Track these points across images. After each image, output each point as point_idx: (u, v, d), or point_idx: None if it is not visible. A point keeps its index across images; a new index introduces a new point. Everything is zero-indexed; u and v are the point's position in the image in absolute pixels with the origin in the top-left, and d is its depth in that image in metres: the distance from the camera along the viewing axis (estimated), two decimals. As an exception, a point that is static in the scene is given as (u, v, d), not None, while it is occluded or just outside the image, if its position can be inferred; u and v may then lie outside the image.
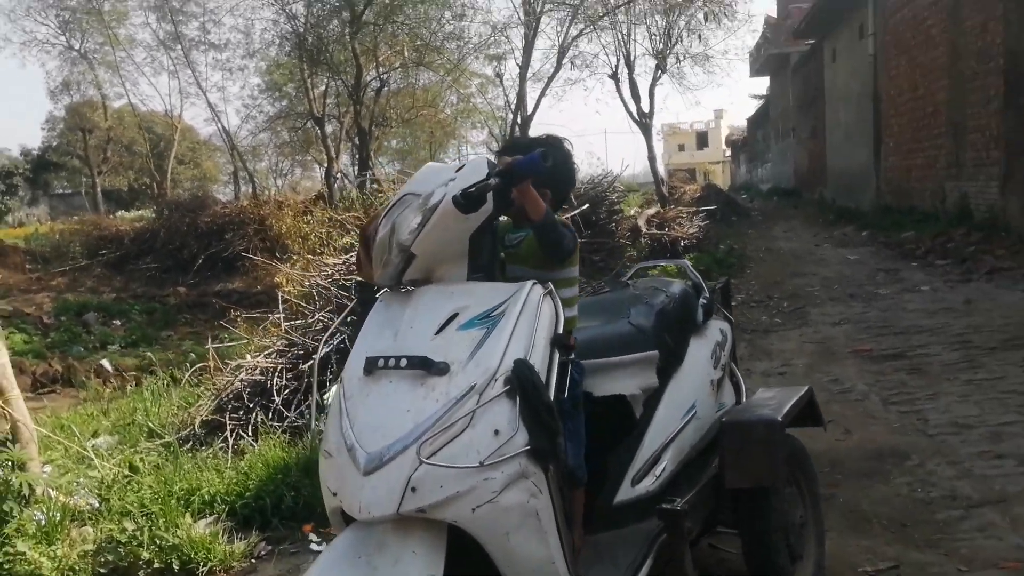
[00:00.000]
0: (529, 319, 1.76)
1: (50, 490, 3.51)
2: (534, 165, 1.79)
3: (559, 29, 17.47)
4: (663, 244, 11.70)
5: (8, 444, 3.45)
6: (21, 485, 3.18)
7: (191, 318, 13.76)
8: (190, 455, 4.04)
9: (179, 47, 22.70)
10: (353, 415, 1.70)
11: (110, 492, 3.63)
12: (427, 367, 1.68)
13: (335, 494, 1.69)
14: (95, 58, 25.83)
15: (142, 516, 3.30)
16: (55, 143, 37.65)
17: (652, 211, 13.55)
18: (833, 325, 7.07)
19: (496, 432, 1.62)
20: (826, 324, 7.14)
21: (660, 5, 16.68)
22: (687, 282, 2.89)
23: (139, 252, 17.25)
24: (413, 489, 1.58)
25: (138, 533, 3.19)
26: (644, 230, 11.85)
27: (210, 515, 3.46)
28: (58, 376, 9.55)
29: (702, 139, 58.83)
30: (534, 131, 18.80)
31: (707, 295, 2.81)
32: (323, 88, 20.59)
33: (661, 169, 24.91)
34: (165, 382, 5.70)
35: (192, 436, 4.31)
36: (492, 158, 2.05)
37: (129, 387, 7.18)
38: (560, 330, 1.82)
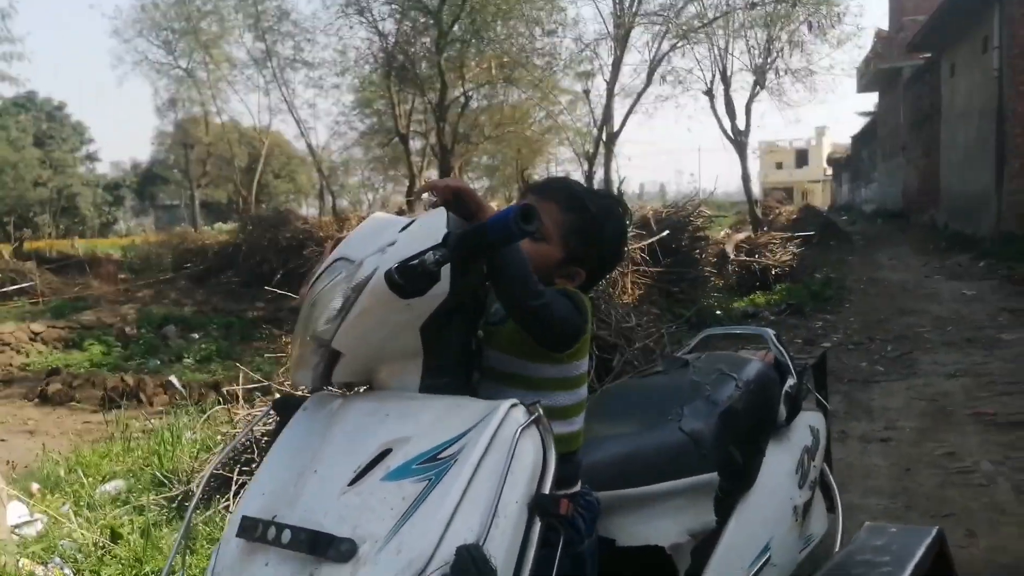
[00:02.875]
0: (496, 468, 1.11)
1: (20, 560, 3.07)
2: (506, 229, 1.16)
3: (651, 44, 16.75)
4: (752, 272, 10.77)
5: (-30, 507, 3.04)
6: (-29, 559, 2.73)
7: (267, 334, 13.70)
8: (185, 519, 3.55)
9: (271, 65, 23.02)
10: (213, 610, 1.11)
11: (87, 562, 3.17)
12: (321, 548, 1.06)
13: None
14: (197, 76, 26.62)
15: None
16: (162, 157, 39.26)
17: (742, 236, 12.60)
18: (948, 377, 6.08)
19: None
20: (939, 375, 6.16)
21: (760, 18, 15.72)
22: (766, 356, 2.19)
23: (221, 266, 17.44)
24: None
25: (94, 628, 2.70)
26: (732, 256, 10.95)
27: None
28: (128, 391, 9.50)
29: (801, 157, 56.50)
30: (619, 149, 18.12)
31: (795, 379, 2.10)
32: (409, 105, 20.46)
33: (756, 188, 23.61)
34: (192, 415, 5.31)
35: (190, 494, 3.83)
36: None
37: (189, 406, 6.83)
38: (547, 487, 1.16)
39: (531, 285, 1.27)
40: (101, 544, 3.21)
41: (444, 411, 1.20)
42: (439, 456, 1.13)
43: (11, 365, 11.11)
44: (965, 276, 11.51)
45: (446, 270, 1.20)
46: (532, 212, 1.15)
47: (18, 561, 3.06)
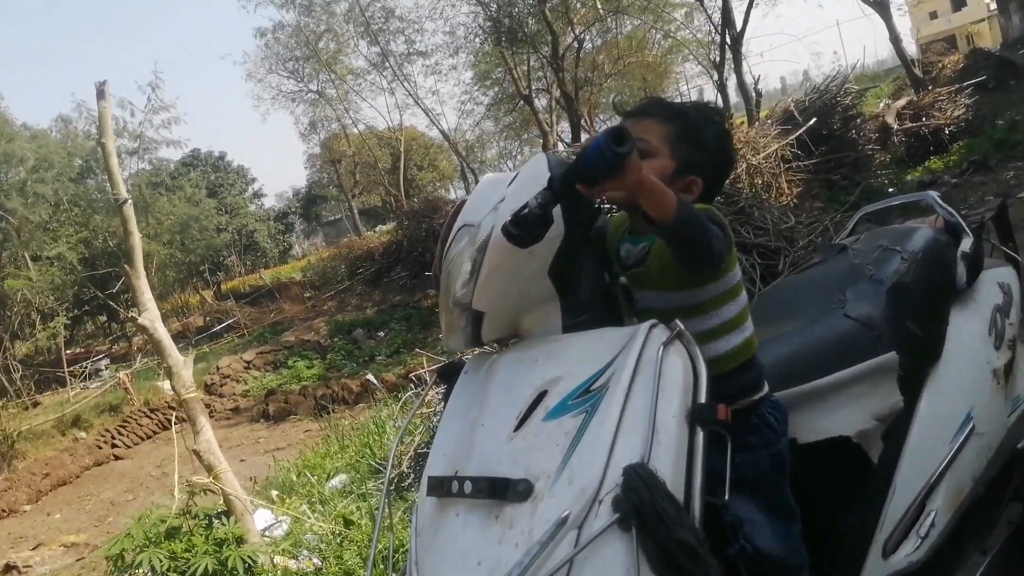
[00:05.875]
0: (647, 388, 1.13)
1: (275, 557, 3.46)
2: (601, 157, 1.14)
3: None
4: (922, 138, 9.87)
5: (223, 518, 3.45)
6: (235, 563, 3.12)
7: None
8: (406, 496, 3.84)
9: (389, 64, 23.71)
10: (421, 563, 1.21)
11: (328, 550, 3.52)
12: (500, 492, 1.13)
13: None
14: (328, 95, 27.95)
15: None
16: (316, 178, 41.65)
17: (902, 102, 11.53)
18: None
19: None
20: None
21: None
22: (935, 221, 2.03)
23: (389, 265, 18.36)
24: None
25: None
26: (895, 127, 10.08)
27: None
28: (335, 396, 10.35)
29: (957, -2, 50.38)
30: (748, 48, 17.05)
31: (971, 238, 1.93)
32: (526, 66, 20.40)
33: (911, 48, 21.52)
34: (391, 405, 5.68)
35: (408, 473, 4.12)
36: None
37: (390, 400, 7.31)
38: (703, 396, 1.17)
39: (707, 225, 1.24)
40: (337, 532, 3.56)
41: (588, 345, 1.24)
42: (591, 388, 1.17)
43: (235, 394, 12.42)
44: None
45: (558, 212, 1.22)
46: (622, 133, 1.14)
47: (272, 559, 3.45)
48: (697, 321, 1.34)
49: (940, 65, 19.01)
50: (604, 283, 1.40)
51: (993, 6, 45.25)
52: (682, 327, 1.19)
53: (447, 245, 1.40)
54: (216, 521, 3.41)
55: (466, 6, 18.91)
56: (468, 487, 1.17)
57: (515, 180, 1.30)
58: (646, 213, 1.22)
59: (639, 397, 1.13)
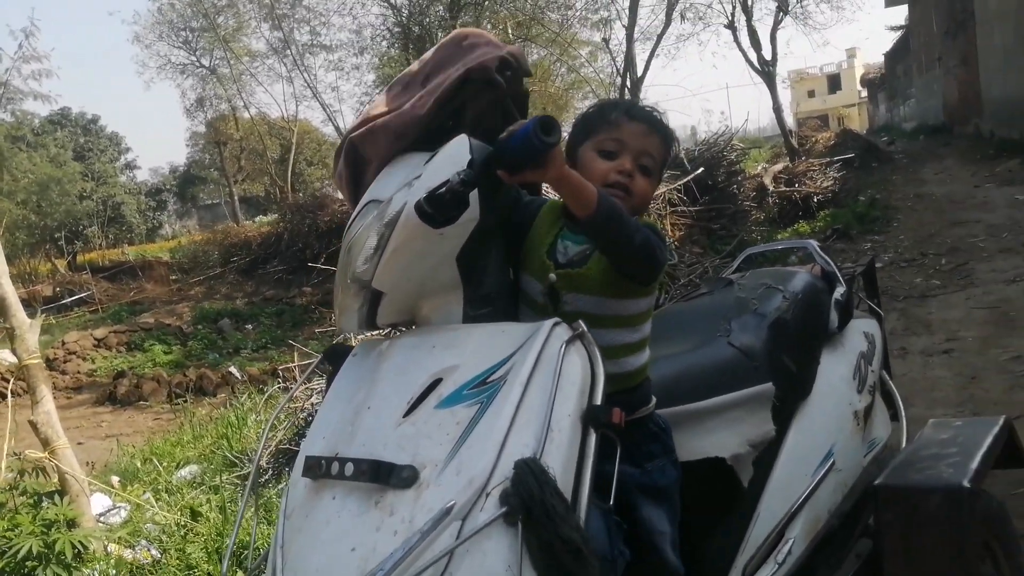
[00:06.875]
0: (545, 385, 1.13)
1: (109, 545, 3.21)
2: (528, 145, 1.13)
3: (666, -19, 16.29)
4: (793, 202, 10.55)
5: (57, 498, 3.17)
6: (63, 547, 2.86)
7: (320, 317, 13.90)
8: (261, 492, 3.67)
9: (290, 52, 23.04)
10: (288, 546, 1.14)
11: (171, 542, 3.30)
12: (384, 476, 1.09)
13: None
14: (222, 73, 26.76)
15: (192, 577, 2.93)
16: (198, 158, 39.67)
17: (779, 167, 12.32)
18: (1008, 283, 5.91)
19: None
20: (999, 283, 5.99)
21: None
22: (812, 268, 2.16)
23: (266, 256, 17.69)
24: None
25: (184, 601, 2.82)
26: (771, 188, 10.73)
27: None
28: (192, 385, 9.80)
29: (834, 82, 54.66)
30: (645, 95, 17.77)
31: (844, 287, 2.07)
32: (429, 76, 20.33)
33: (789, 119, 23.13)
34: (255, 398, 5.45)
35: (265, 469, 3.94)
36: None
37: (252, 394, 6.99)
38: (599, 398, 1.16)
39: (631, 222, 1.25)
40: (183, 523, 3.35)
41: (489, 337, 1.22)
42: (488, 380, 1.15)
43: (79, 372, 11.54)
44: (1016, 181, 11.10)
45: (475, 197, 1.20)
46: (552, 122, 1.14)
47: (106, 547, 3.20)
48: (624, 333, 1.35)
49: (814, 139, 20.54)
50: (509, 278, 1.38)
51: (864, 94, 49.45)
52: (584, 328, 1.20)
53: (351, 220, 1.35)
54: (47, 500, 3.13)
55: (376, 7, 18.68)
56: (349, 469, 1.11)
57: (433, 158, 1.27)
58: (566, 208, 1.23)
59: (536, 393, 1.12)
